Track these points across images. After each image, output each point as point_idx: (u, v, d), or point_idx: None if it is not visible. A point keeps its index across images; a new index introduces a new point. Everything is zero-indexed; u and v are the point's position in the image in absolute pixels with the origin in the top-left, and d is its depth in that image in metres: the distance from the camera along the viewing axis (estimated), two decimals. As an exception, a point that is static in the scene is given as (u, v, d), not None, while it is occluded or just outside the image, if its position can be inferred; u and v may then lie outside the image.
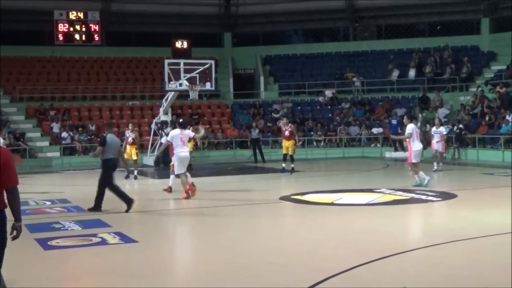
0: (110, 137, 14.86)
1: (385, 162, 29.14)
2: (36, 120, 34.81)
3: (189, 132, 16.86)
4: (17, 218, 6.58)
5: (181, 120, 18.27)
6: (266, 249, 10.14)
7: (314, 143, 34.84)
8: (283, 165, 24.32)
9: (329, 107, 37.98)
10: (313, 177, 24.44)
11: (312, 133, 35.18)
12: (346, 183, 20.37)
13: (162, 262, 9.42)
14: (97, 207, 14.54)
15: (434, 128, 24.36)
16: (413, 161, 18.29)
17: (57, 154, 32.30)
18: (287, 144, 24.04)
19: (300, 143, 30.17)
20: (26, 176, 25.09)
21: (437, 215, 14.12)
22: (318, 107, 38.20)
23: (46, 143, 33.04)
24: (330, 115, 37.15)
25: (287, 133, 23.98)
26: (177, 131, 16.68)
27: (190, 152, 25.02)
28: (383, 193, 16.86)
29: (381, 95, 38.14)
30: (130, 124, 23.54)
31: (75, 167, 29.29)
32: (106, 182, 14.59)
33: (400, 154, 31.13)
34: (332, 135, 35.03)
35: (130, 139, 22.22)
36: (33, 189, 20.26)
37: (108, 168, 14.69)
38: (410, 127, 18.23)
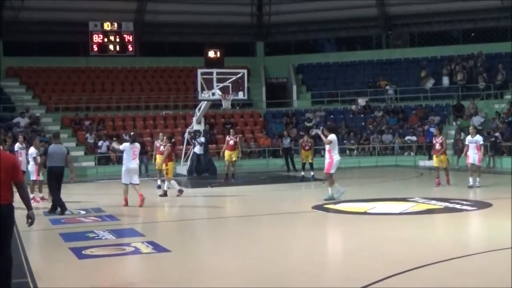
0: (52, 147, 16.62)
1: (418, 171, 28.88)
2: (71, 130, 35.19)
3: (138, 145, 18.26)
4: (29, 208, 8.12)
5: (131, 133, 20.89)
6: (298, 259, 10.11)
7: (347, 151, 34.68)
8: (302, 173, 25.19)
9: (362, 115, 37.82)
10: (346, 185, 24.14)
11: (345, 141, 35.00)
12: (379, 192, 20.23)
13: (194, 271, 9.44)
14: (53, 208, 16.29)
15: (469, 137, 20.86)
16: (331, 171, 17.43)
17: (92, 163, 32.61)
18: (306, 154, 25.17)
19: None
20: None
21: (472, 225, 13.95)
22: (351, 116, 38.06)
23: (81, 153, 33.38)
24: (363, 123, 36.98)
25: (307, 147, 25.30)
26: (127, 144, 18.18)
27: (235, 161, 25.71)
28: (417, 202, 16.72)
29: (415, 103, 37.86)
30: (161, 134, 23.41)
31: (109, 176, 29.47)
32: (49, 187, 16.62)
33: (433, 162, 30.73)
34: (365, 143, 34.86)
35: (161, 149, 22.28)
36: (68, 198, 20.35)
37: (50, 175, 16.45)
38: (332, 136, 17.60)
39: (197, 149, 29.19)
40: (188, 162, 29.83)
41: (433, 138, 22.11)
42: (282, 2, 42.28)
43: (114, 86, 40.03)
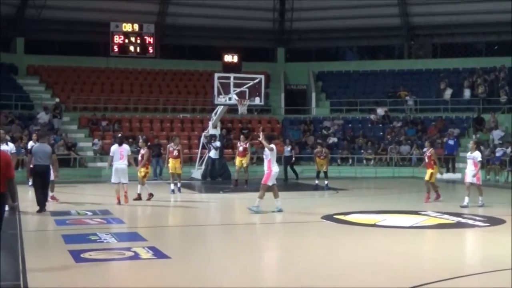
0: (37, 146, 17.45)
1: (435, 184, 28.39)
2: (88, 130, 35.19)
3: (127, 147, 19.04)
4: (14, 200, 9.59)
5: (119, 135, 22.03)
6: (299, 271, 9.87)
7: (364, 161, 34.36)
8: (316, 182, 24.81)
9: (380, 125, 37.46)
10: (360, 196, 24.11)
11: (362, 151, 34.71)
12: (392, 204, 19.93)
13: (190, 279, 9.21)
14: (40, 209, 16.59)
15: (468, 153, 19.40)
16: (269, 183, 16.90)
17: (106, 164, 32.46)
18: (322, 162, 24.76)
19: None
20: (74, 186, 25.39)
21: (482, 242, 13.56)
22: (370, 125, 37.72)
23: (97, 153, 33.34)
24: (381, 133, 36.62)
25: (322, 157, 24.84)
26: (116, 146, 18.81)
27: (246, 167, 25.50)
28: (429, 216, 16.43)
29: (434, 114, 37.44)
30: (174, 137, 23.33)
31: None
32: (34, 184, 17.14)
33: (451, 175, 30.45)
34: (382, 154, 34.49)
35: (175, 153, 22.12)
36: (78, 198, 20.44)
37: (35, 173, 17.07)
38: (272, 146, 16.99)
39: (212, 154, 29.04)
40: (203, 166, 29.69)
41: (425, 151, 21.49)
42: (304, 9, 42.03)
43: (133, 87, 40.01)
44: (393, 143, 34.81)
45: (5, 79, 37.30)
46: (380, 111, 37.96)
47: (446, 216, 16.29)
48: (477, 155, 18.88)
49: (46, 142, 17.85)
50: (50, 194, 18.86)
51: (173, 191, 21.99)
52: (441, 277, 9.31)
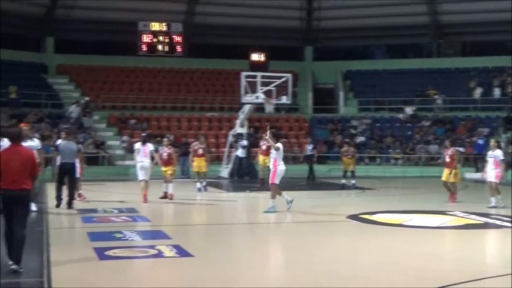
0: (63, 144, 17.44)
1: (464, 183, 28.14)
2: (117, 129, 35.46)
3: (149, 146, 19.41)
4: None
5: (143, 134, 22.17)
6: (320, 271, 9.83)
7: (392, 160, 34.17)
8: (343, 181, 24.68)
9: (409, 124, 37.22)
10: (387, 195, 23.96)
11: (390, 150, 34.53)
12: (419, 204, 19.75)
13: (212, 278, 9.23)
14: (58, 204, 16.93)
15: (490, 152, 18.99)
16: (275, 181, 16.67)
17: (135, 162, 32.67)
18: (348, 161, 24.62)
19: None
20: (102, 184, 25.61)
21: (509, 243, 13.37)
22: (398, 124, 37.53)
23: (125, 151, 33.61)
24: (409, 132, 36.41)
25: (349, 156, 24.73)
26: (139, 144, 19.34)
27: (265, 166, 25.38)
28: (456, 216, 16.27)
29: (464, 113, 37.13)
30: (200, 136, 23.44)
31: (151, 176, 29.56)
32: (57, 180, 17.15)
33: (480, 175, 30.05)
34: (410, 153, 34.27)
35: (200, 151, 22.13)
36: (105, 196, 20.62)
37: (61, 171, 17.05)
38: (279, 144, 16.83)
39: (240, 152, 29.10)
40: (230, 165, 29.76)
41: (445, 150, 20.92)
42: (332, 7, 41.94)
43: (161, 86, 40.24)
44: (422, 142, 34.58)
45: (35, 78, 37.82)
46: (409, 110, 37.73)
47: (473, 216, 16.11)
48: (498, 153, 18.46)
49: (73, 140, 18.05)
50: (77, 192, 19.02)
51: (199, 189, 22.07)
52: (462, 279, 9.20)
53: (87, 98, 36.35)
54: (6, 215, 9.31)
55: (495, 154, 18.45)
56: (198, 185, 22.25)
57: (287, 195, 16.94)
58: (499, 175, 18.34)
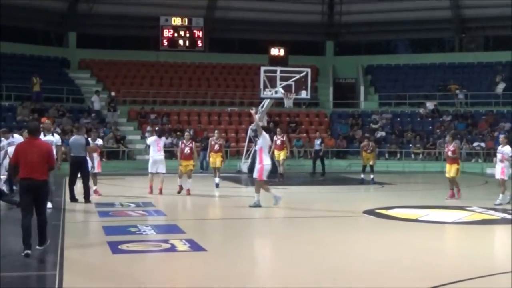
0: (73, 138, 17.83)
1: (484, 179, 27.95)
2: (137, 123, 35.64)
3: (164, 139, 20.14)
4: None
5: (157, 128, 22.48)
6: (334, 266, 9.84)
7: (412, 155, 33.98)
8: (362, 176, 24.67)
9: (429, 119, 36.99)
10: (406, 190, 23.83)
11: (410, 145, 34.34)
12: (437, 199, 19.60)
13: (223, 273, 9.27)
14: (76, 198, 17.07)
15: (499, 147, 18.41)
16: (264, 178, 16.31)
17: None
18: (368, 156, 24.54)
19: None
20: (122, 178, 25.74)
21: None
22: (419, 119, 37.32)
23: (145, 146, 33.72)
24: (430, 127, 36.18)
25: (369, 151, 24.62)
26: (153, 137, 19.76)
27: (283, 160, 25.40)
28: (474, 211, 16.17)
29: (485, 108, 36.83)
30: (216, 131, 23.02)
31: (170, 170, 29.68)
32: (70, 177, 17.35)
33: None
34: (431, 148, 34.07)
35: (216, 147, 21.92)
36: (124, 191, 20.71)
37: (71, 165, 17.25)
38: (264, 136, 16.42)
39: (258, 147, 29.00)
40: (249, 160, 29.74)
41: (445, 145, 20.20)
42: (353, 2, 41.78)
43: (182, 81, 40.36)
44: (442, 137, 34.31)
45: (57, 73, 38.13)
46: (430, 105, 37.50)
47: (491, 212, 16.01)
48: (507, 150, 17.83)
49: (82, 134, 18.04)
50: (93, 187, 18.91)
51: (217, 185, 21.88)
52: (478, 274, 9.17)
53: (112, 94, 36.52)
54: (23, 204, 10.12)
55: (502, 150, 17.98)
56: (217, 180, 22.07)
57: (276, 192, 16.82)
58: (505, 171, 17.82)
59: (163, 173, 19.26)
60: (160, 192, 18.92)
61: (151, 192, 18.97)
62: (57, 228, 12.47)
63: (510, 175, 18.06)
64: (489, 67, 39.68)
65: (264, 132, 16.59)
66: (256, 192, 16.44)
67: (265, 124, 30.08)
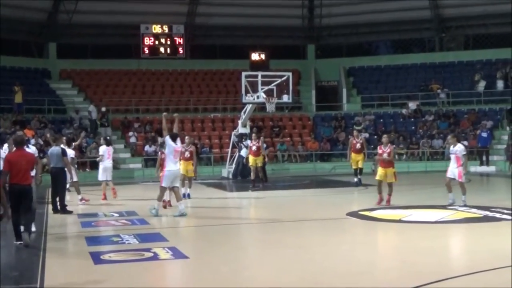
0: (51, 149, 18.10)
1: (467, 177, 27.97)
2: (120, 132, 35.52)
3: (111, 148, 20.95)
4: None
5: (107, 137, 23.48)
6: (317, 268, 9.85)
7: (396, 156, 33.97)
8: (355, 179, 23.84)
9: (412, 119, 37.14)
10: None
11: (394, 146, 34.35)
12: (421, 199, 19.75)
13: (205, 280, 9.22)
14: (59, 210, 17.16)
15: (451, 148, 17.46)
16: (164, 185, 15.94)
17: (139, 165, 32.85)
18: (358, 158, 23.49)
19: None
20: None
21: (507, 236, 13.31)
22: (401, 120, 37.45)
23: (129, 155, 33.66)
24: (413, 127, 36.33)
25: (358, 145, 23.59)
26: (104, 147, 20.67)
27: (261, 166, 24.91)
28: (457, 210, 16.23)
29: (467, 107, 37.03)
30: (186, 137, 20.69)
31: (155, 178, 29.55)
32: (51, 188, 17.60)
33: (485, 168, 30.09)
34: (414, 148, 34.20)
35: (186, 154, 19.67)
36: (108, 200, 20.56)
37: (51, 176, 17.55)
38: (168, 141, 15.87)
39: (243, 152, 28.96)
40: (233, 165, 29.75)
41: (379, 147, 18.47)
42: (333, 4, 41.85)
43: (164, 88, 40.29)
44: (425, 137, 34.49)
45: (38, 84, 37.97)
46: (412, 105, 37.66)
47: (474, 210, 16.07)
48: (459, 148, 17.10)
49: (60, 145, 18.05)
50: (79, 196, 19.13)
51: (187, 195, 20.27)
52: (460, 272, 9.20)
53: (103, 109, 36.11)
54: (14, 206, 11.47)
55: (455, 150, 17.13)
56: (188, 190, 20.43)
57: (183, 204, 16.41)
58: (461, 172, 17.08)
59: (111, 180, 20.62)
60: (114, 195, 20.20)
61: (104, 198, 19.99)
62: (39, 239, 12.40)
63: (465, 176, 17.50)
64: (470, 66, 39.89)
65: (167, 138, 15.94)
66: (158, 200, 16.13)
67: (248, 129, 29.99)
